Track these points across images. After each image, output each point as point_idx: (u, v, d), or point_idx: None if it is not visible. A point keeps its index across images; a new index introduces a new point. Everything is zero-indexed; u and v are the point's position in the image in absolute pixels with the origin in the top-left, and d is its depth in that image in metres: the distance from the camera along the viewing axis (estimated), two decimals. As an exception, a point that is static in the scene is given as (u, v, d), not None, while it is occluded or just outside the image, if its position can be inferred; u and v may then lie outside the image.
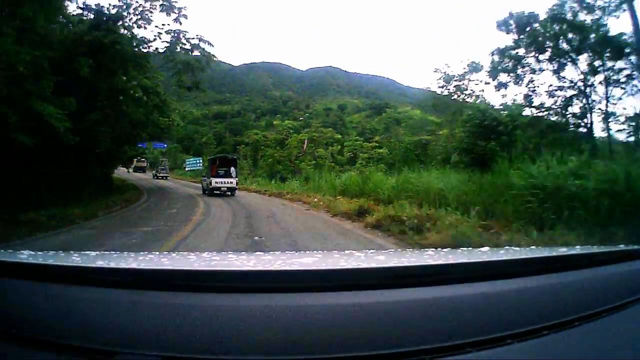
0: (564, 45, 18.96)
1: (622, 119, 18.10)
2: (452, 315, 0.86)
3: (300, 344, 0.77)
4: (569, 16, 18.04)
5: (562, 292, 1.03)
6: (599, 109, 18.68)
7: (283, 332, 0.78)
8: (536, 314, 0.92)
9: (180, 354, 0.75)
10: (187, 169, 45.25)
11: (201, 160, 38.78)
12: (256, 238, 7.33)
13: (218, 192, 18.69)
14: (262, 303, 0.84)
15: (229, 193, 18.86)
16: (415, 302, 0.88)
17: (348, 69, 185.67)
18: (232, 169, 19.98)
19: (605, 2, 17.47)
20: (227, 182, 19.00)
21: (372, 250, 1.67)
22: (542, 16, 19.25)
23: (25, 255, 1.17)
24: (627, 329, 0.97)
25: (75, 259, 1.18)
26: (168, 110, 23.92)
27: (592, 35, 17.77)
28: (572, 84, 19.22)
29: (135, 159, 56.23)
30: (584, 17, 18.20)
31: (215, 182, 18.90)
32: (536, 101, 20.11)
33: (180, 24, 15.31)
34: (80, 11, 14.81)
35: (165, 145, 52.99)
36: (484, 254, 1.46)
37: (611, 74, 18.16)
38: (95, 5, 14.75)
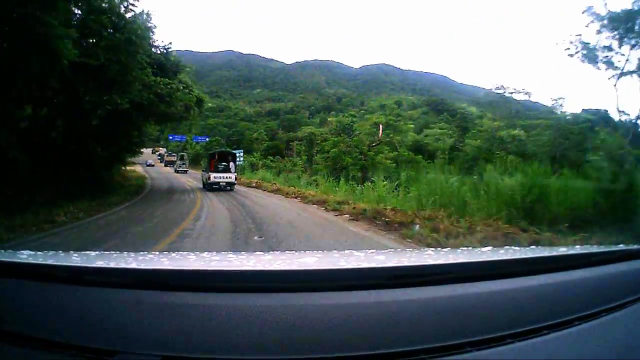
0: None
1: None
2: (452, 315, 0.83)
3: (300, 344, 0.74)
4: None
5: (562, 292, 0.99)
6: None
7: (283, 332, 0.75)
8: (536, 313, 0.89)
9: (180, 353, 0.72)
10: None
11: (242, 153, 29.66)
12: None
13: (217, 186, 17.51)
14: (262, 303, 0.81)
15: (228, 188, 17.68)
16: (415, 302, 0.85)
17: (401, 66, 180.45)
18: (231, 164, 19.19)
19: None
20: (226, 177, 17.94)
21: (371, 250, 1.48)
22: None
23: (25, 255, 1.12)
24: (626, 329, 0.94)
25: (75, 259, 1.13)
26: (172, 67, 14.87)
27: None
28: None
29: (166, 154, 53.74)
30: None
31: (214, 177, 17.83)
32: None
33: None
34: None
35: (207, 139, 46.62)
36: (484, 254, 1.41)
37: None
38: None
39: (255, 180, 23.10)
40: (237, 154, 29.08)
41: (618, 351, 0.87)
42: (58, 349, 0.75)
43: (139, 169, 39.40)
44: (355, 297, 0.83)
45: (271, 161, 38.82)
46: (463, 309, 0.85)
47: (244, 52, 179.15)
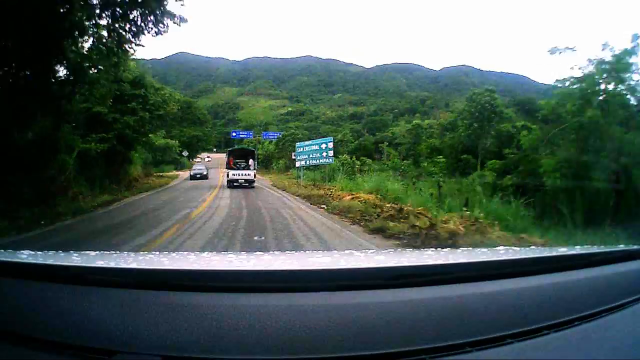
0: None
1: None
2: (452, 315, 0.80)
3: (300, 344, 0.71)
4: None
5: (562, 292, 0.95)
6: None
7: (282, 332, 0.72)
8: (536, 314, 0.85)
9: (179, 353, 0.69)
10: (298, 163, 19.81)
11: (332, 144, 16.52)
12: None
13: (236, 183, 16.53)
14: (261, 303, 0.78)
15: (247, 185, 16.59)
16: (415, 302, 0.82)
17: (481, 67, 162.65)
18: (251, 161, 18.29)
19: None
20: (244, 175, 16.93)
21: (371, 250, 1.56)
22: None
23: (25, 255, 1.07)
24: (626, 329, 0.90)
25: (75, 259, 1.08)
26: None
27: None
28: None
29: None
30: None
31: (232, 174, 16.92)
32: None
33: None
34: None
35: (280, 134, 36.67)
36: (484, 254, 1.37)
37: None
38: None
39: (373, 198, 9.55)
40: (326, 143, 16.77)
41: (618, 351, 0.82)
42: (58, 349, 0.72)
43: (185, 175, 27.20)
44: (356, 297, 0.80)
45: (379, 163, 25.50)
46: (463, 309, 0.81)
47: (322, 57, 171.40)
